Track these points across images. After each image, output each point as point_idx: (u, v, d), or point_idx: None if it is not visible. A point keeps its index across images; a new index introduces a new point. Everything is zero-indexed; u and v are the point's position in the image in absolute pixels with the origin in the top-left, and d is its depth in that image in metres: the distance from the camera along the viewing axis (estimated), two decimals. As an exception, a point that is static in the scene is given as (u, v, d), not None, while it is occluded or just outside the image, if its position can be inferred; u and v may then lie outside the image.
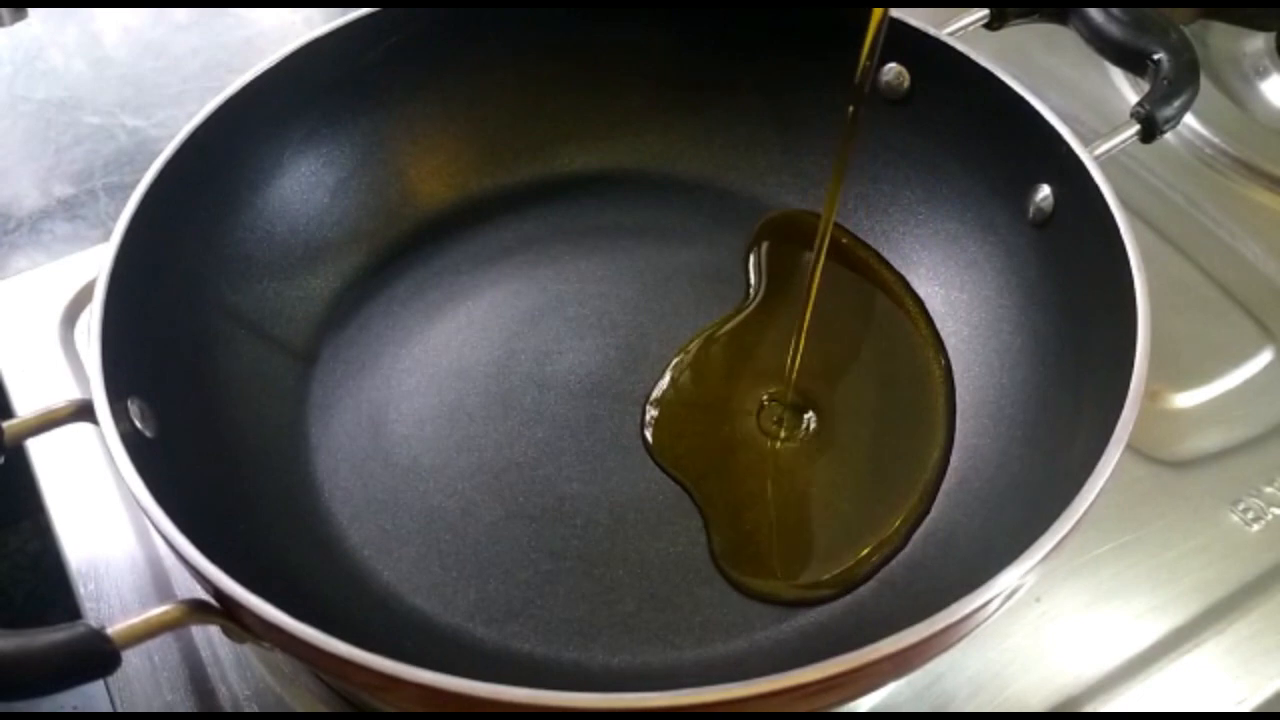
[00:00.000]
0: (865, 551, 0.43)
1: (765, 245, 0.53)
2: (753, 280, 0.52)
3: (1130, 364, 0.37)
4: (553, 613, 0.42)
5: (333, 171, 0.51)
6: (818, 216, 0.54)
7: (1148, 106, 0.44)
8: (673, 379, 0.48)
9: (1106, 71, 0.63)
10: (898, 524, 0.44)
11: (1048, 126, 0.44)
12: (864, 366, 0.49)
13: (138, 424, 0.38)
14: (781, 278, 0.52)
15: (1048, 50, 0.61)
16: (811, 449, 0.47)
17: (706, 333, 0.50)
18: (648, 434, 0.47)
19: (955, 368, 0.48)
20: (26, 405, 0.49)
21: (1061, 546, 0.33)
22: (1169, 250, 0.55)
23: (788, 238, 0.54)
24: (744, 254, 0.53)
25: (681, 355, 0.49)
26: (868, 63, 0.40)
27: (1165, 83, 0.44)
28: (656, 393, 0.48)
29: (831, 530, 0.44)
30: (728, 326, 0.50)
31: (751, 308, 0.51)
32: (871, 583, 0.42)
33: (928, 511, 0.44)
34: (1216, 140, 0.60)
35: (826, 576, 0.42)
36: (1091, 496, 0.34)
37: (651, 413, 0.47)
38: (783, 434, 0.47)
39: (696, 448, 0.46)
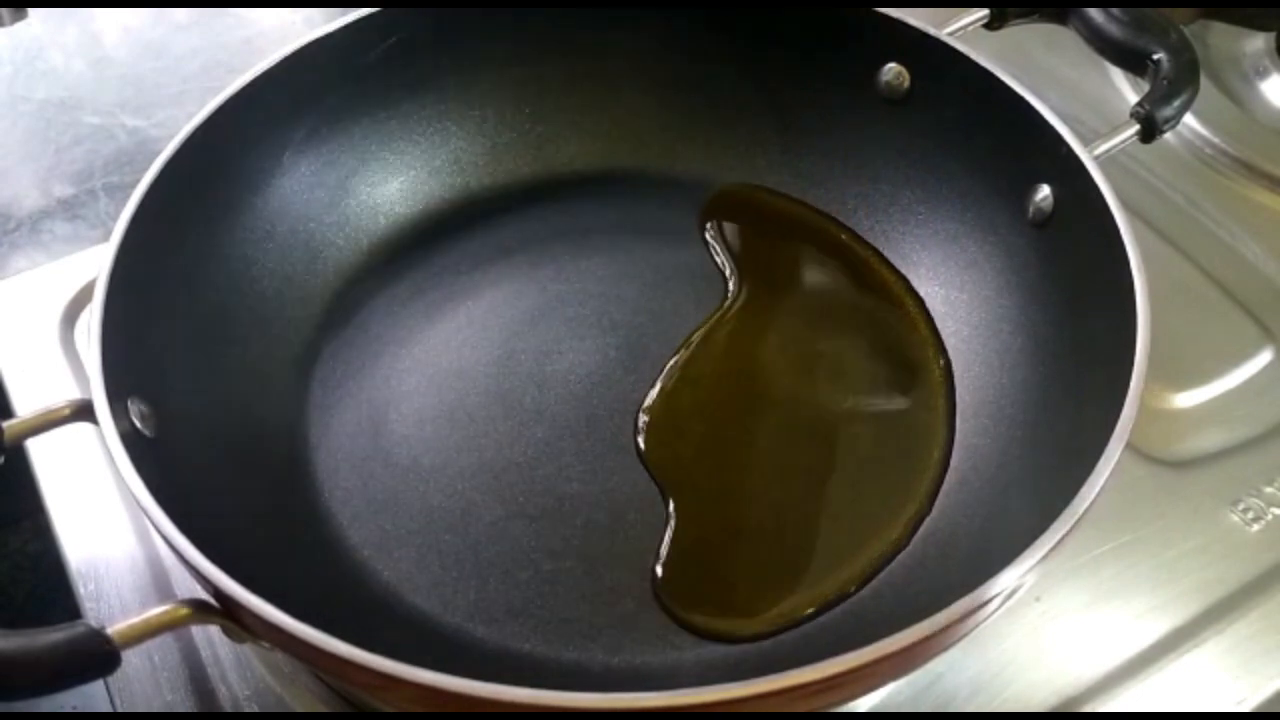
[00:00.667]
0: (865, 559, 0.43)
1: (725, 226, 0.53)
2: (726, 271, 0.52)
3: (1130, 363, 0.37)
4: (553, 613, 0.42)
5: (333, 171, 0.51)
6: (766, 191, 0.54)
7: (1148, 106, 0.44)
8: (663, 386, 0.48)
9: (1106, 71, 0.63)
10: (900, 528, 0.43)
11: (1048, 126, 0.44)
12: (864, 366, 0.49)
13: (138, 424, 0.38)
14: (759, 267, 0.52)
15: (1048, 50, 0.61)
16: (810, 451, 0.46)
17: (701, 332, 0.50)
18: (640, 441, 0.46)
19: (955, 368, 0.48)
20: (26, 405, 0.49)
21: (1061, 546, 0.33)
22: (1169, 250, 0.55)
23: (742, 216, 0.54)
24: (699, 231, 0.53)
25: (676, 357, 0.49)
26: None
27: (1165, 83, 0.44)
28: (648, 400, 0.48)
29: (829, 536, 0.44)
30: (723, 326, 0.50)
31: (739, 304, 0.51)
32: (871, 583, 0.42)
33: (928, 512, 0.44)
34: (1216, 140, 0.60)
35: (823, 589, 0.42)
36: (1091, 496, 0.34)
37: (643, 419, 0.47)
38: (780, 435, 0.47)
39: (688, 455, 0.46)
